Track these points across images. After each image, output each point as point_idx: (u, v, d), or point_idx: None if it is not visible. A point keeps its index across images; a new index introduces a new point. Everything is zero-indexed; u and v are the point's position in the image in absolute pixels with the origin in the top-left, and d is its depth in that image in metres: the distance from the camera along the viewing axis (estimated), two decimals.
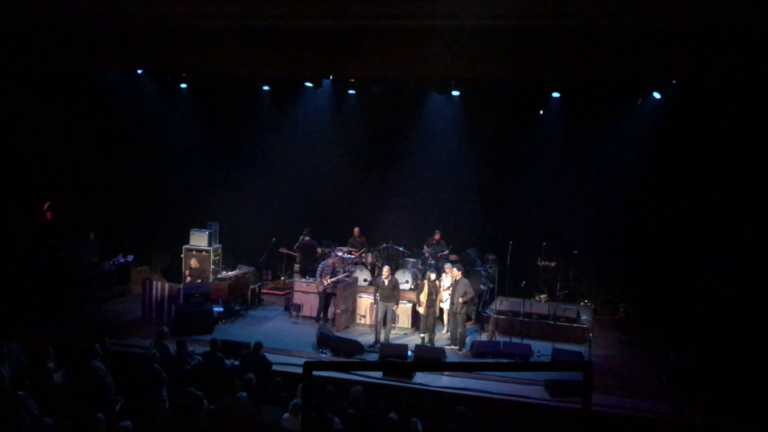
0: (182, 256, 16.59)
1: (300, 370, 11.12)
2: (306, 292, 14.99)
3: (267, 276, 17.81)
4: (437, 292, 13.44)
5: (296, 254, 16.71)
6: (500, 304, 14.61)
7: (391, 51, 10.75)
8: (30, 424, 7.94)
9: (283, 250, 16.91)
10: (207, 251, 16.48)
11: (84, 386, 9.55)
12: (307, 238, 16.66)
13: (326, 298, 14.55)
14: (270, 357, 11.46)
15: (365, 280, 15.62)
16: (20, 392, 8.71)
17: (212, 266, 16.48)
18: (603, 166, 15.82)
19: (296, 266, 16.62)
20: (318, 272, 14.55)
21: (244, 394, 9.30)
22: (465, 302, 13.31)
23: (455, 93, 15.96)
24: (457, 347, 13.26)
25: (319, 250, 16.43)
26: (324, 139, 17.58)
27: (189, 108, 17.94)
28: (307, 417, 4.61)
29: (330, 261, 14.72)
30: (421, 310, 13.41)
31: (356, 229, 16.87)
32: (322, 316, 14.60)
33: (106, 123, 17.48)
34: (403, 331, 14.30)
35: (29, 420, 8.05)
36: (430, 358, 12.32)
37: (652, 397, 11.36)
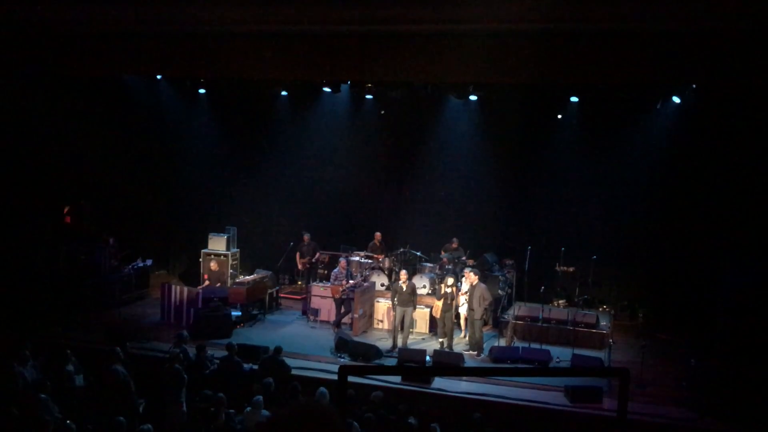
0: (200, 260, 16.67)
1: (318, 375, 11.31)
2: (323, 296, 14.93)
3: (284, 280, 17.83)
4: (454, 297, 13.39)
5: (304, 260, 16.72)
6: (518, 309, 14.52)
7: (412, 56, 10.74)
8: (54, 427, 7.99)
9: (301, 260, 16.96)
10: (225, 255, 16.53)
11: (105, 390, 9.62)
12: (309, 240, 16.70)
13: (340, 305, 14.30)
14: (288, 361, 11.49)
15: (382, 285, 15.58)
16: (42, 395, 8.79)
17: (230, 270, 16.54)
18: (622, 170, 15.71)
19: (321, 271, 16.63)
20: (332, 279, 14.45)
21: (260, 398, 9.33)
22: (485, 309, 13.28)
23: (473, 97, 15.89)
24: (475, 352, 13.21)
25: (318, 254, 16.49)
26: (342, 143, 17.61)
27: (208, 113, 18.03)
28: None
29: (340, 266, 14.56)
30: (437, 315, 13.38)
31: (377, 234, 16.79)
32: (336, 324, 14.34)
33: (126, 128, 17.55)
34: (420, 336, 14.26)
35: (53, 423, 8.10)
36: (453, 364, 12.23)
37: (673, 404, 11.27)
